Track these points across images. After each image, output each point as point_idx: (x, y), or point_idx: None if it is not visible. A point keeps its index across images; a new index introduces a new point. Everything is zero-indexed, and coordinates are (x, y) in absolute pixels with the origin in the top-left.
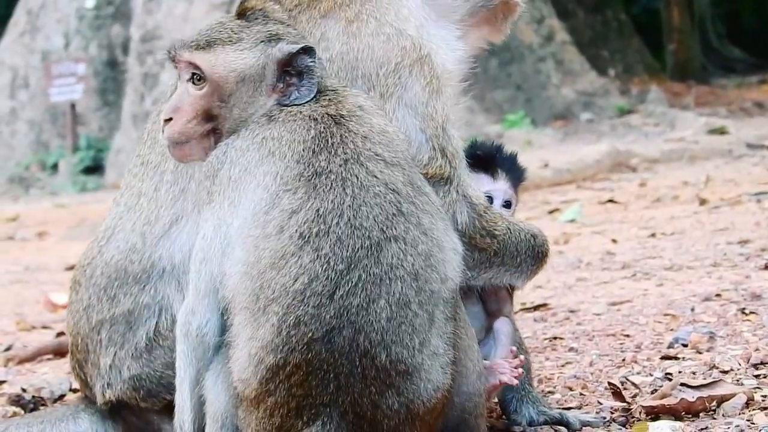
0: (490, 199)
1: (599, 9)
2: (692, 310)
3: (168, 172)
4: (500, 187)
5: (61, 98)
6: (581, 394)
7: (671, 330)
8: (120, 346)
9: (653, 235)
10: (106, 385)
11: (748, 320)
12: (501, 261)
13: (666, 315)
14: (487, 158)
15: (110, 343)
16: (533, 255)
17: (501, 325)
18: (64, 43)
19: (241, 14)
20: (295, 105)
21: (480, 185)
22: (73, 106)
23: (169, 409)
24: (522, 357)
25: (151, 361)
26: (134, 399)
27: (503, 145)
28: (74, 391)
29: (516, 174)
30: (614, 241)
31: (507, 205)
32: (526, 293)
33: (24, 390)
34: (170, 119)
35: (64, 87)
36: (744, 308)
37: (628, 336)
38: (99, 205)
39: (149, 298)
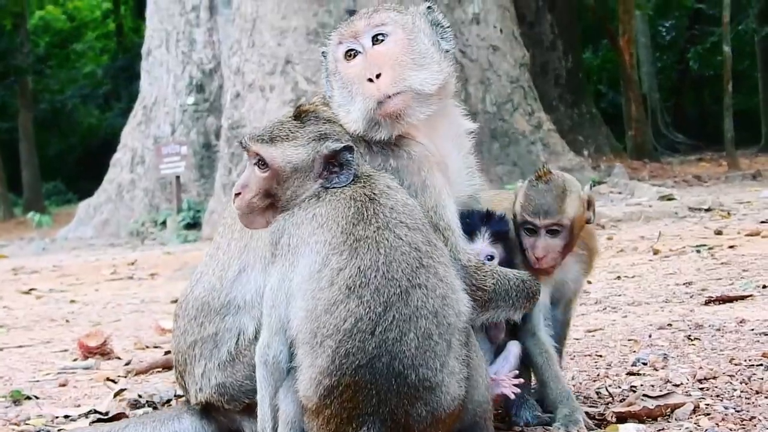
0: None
1: (576, 104)
2: (650, 336)
3: (236, 231)
4: (479, 246)
5: (168, 172)
6: None
7: (634, 352)
8: (209, 359)
9: (618, 277)
10: (198, 390)
11: (693, 345)
12: (495, 305)
13: (630, 340)
14: (471, 225)
15: (201, 358)
16: (524, 296)
17: (512, 347)
18: (171, 130)
19: (297, 116)
20: (336, 187)
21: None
22: (178, 177)
23: (248, 410)
24: (518, 376)
25: (233, 374)
26: (220, 402)
27: (490, 209)
28: (178, 397)
29: (496, 230)
30: (589, 282)
31: (490, 258)
32: None
33: (140, 396)
34: (239, 194)
35: (171, 163)
36: (690, 335)
37: (601, 356)
38: (196, 252)
39: (228, 324)
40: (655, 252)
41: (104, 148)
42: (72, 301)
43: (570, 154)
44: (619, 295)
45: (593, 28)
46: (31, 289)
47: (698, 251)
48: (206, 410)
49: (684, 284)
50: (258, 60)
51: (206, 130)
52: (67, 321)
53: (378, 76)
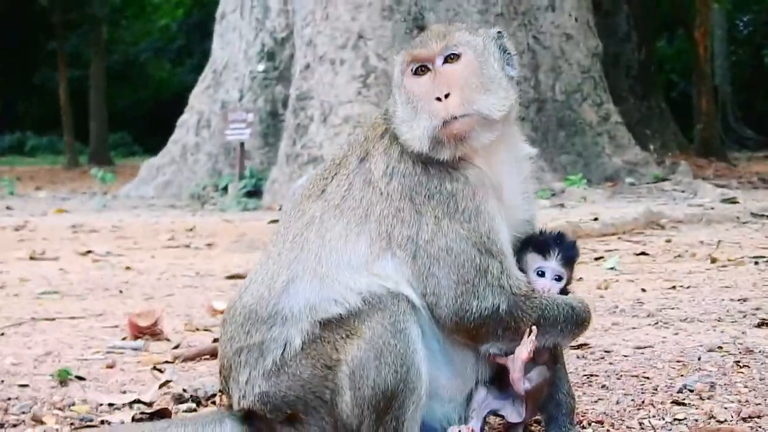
0: (542, 273)
1: (645, 97)
2: (699, 359)
3: (287, 242)
4: (550, 264)
5: (233, 138)
6: (608, 430)
7: (681, 376)
8: (253, 367)
9: (674, 287)
10: (241, 397)
11: (742, 372)
12: (543, 331)
13: (678, 361)
14: (544, 241)
15: (246, 365)
16: (573, 323)
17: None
18: (238, 96)
19: None
20: None
21: (534, 262)
22: (242, 144)
23: (289, 420)
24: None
25: (278, 384)
26: (262, 411)
27: (563, 232)
28: (222, 392)
29: (568, 254)
30: (643, 290)
31: (558, 278)
32: None
33: (184, 390)
34: None
35: (236, 130)
36: (739, 361)
37: (648, 378)
38: (255, 222)
39: (275, 335)
40: (713, 261)
41: (173, 103)
42: (127, 268)
43: (636, 148)
44: (673, 308)
45: (670, 17)
46: (88, 251)
47: (756, 263)
48: (248, 416)
49: (739, 300)
50: (330, 33)
51: (274, 98)
52: (121, 292)
53: (447, 96)
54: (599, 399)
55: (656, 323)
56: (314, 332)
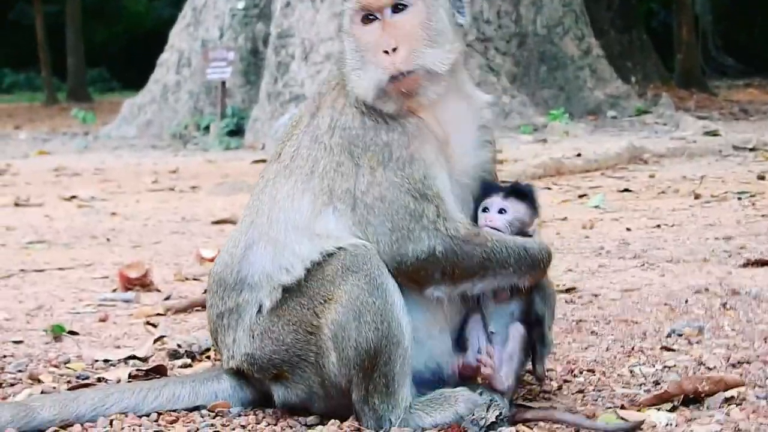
0: (486, 209)
1: (626, 30)
2: (686, 301)
3: (247, 208)
4: (492, 199)
5: (214, 77)
6: (599, 379)
7: (670, 320)
8: (235, 330)
9: (658, 226)
10: (230, 357)
11: (729, 315)
12: (492, 273)
13: (666, 305)
14: (492, 184)
15: (230, 328)
16: (526, 264)
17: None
18: (219, 35)
19: None
20: None
21: (481, 202)
22: (223, 83)
23: (276, 378)
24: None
25: (262, 348)
26: (250, 371)
27: (519, 182)
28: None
29: (513, 188)
30: (629, 229)
31: (501, 211)
32: (560, 275)
33: (179, 346)
34: None
35: (217, 68)
36: (726, 303)
37: (636, 323)
38: (238, 162)
39: (246, 298)
40: (696, 196)
41: (150, 38)
42: (113, 214)
43: (617, 81)
44: (658, 249)
45: None
46: (72, 196)
47: (739, 198)
48: (241, 374)
49: (723, 239)
50: None
51: (254, 36)
52: (108, 240)
53: (395, 50)
54: (589, 346)
55: (642, 265)
56: (278, 298)
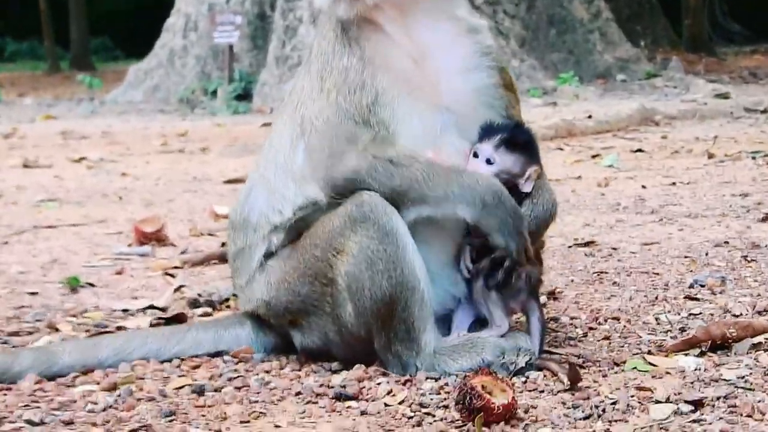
0: (476, 155)
1: None
2: (706, 254)
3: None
4: (482, 146)
5: (222, 41)
6: (624, 326)
7: (691, 271)
8: (248, 273)
9: (673, 183)
10: (247, 301)
11: (750, 267)
12: (432, 202)
13: (686, 257)
14: (488, 126)
15: (242, 270)
16: (473, 199)
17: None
18: None
19: None
20: None
21: (474, 145)
22: (231, 47)
23: (293, 324)
24: None
25: (278, 297)
26: (267, 316)
27: (521, 123)
28: (235, 295)
29: (508, 138)
30: (644, 187)
31: (489, 162)
32: (577, 230)
33: (199, 295)
34: None
35: (224, 32)
36: (746, 255)
37: (658, 274)
38: (247, 126)
39: (250, 241)
40: (710, 156)
41: (155, 8)
42: (123, 174)
43: (627, 44)
44: (675, 205)
45: None
46: (81, 158)
47: (753, 158)
48: (261, 318)
49: (740, 195)
50: None
51: (262, 0)
52: (120, 198)
53: None
54: (612, 296)
55: (660, 220)
56: (281, 242)
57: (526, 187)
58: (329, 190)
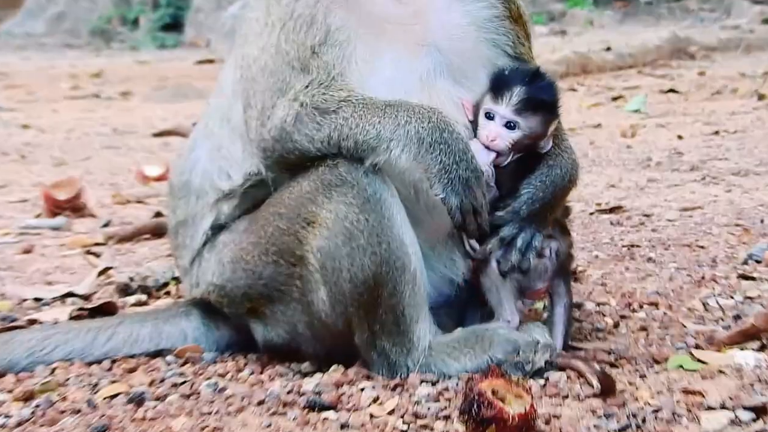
0: (492, 117)
1: None
2: (762, 221)
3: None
4: (500, 108)
5: None
6: (665, 314)
7: (743, 243)
8: (193, 249)
9: (717, 132)
10: (192, 284)
11: None
12: (357, 149)
13: (737, 226)
14: (504, 79)
15: (185, 247)
16: (416, 147)
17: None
18: None
19: None
20: None
21: (486, 103)
22: None
23: (253, 313)
24: None
25: (234, 280)
26: (219, 303)
27: (541, 71)
28: (176, 279)
29: (530, 97)
30: (680, 137)
31: (510, 126)
32: (600, 192)
33: (131, 279)
34: None
35: None
36: None
37: (702, 247)
38: (178, 63)
39: (195, 208)
40: (761, 97)
41: None
42: (25, 126)
43: None
44: (720, 159)
45: None
46: None
47: None
48: (213, 308)
49: None
50: None
51: None
52: (23, 156)
53: None
54: (647, 275)
55: (703, 178)
56: (231, 211)
57: (546, 147)
58: (261, 154)
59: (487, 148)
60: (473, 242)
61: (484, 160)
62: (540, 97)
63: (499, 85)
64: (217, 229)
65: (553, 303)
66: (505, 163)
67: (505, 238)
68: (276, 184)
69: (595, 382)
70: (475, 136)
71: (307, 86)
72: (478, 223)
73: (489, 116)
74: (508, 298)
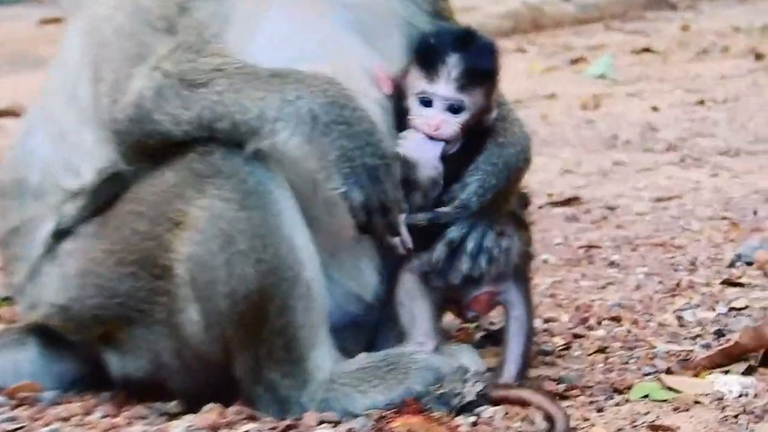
0: (429, 102)
1: None
2: (755, 213)
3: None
4: (438, 88)
5: None
6: (629, 331)
7: (731, 241)
8: (29, 263)
9: (701, 102)
10: (29, 306)
11: None
12: (236, 132)
13: (724, 219)
14: (432, 48)
15: (20, 260)
16: (285, 102)
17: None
18: None
19: None
20: None
21: (415, 84)
22: None
23: (106, 340)
24: None
25: (82, 299)
26: (62, 329)
27: (470, 29)
28: (7, 299)
29: (472, 66)
30: (655, 108)
31: (454, 110)
32: (552, 180)
33: None
34: None
35: None
36: None
37: (679, 248)
38: (15, 23)
39: (33, 211)
40: (758, 56)
41: None
42: None
43: None
44: (704, 136)
45: None
46: None
47: None
48: (54, 334)
49: None
50: None
51: None
52: None
53: None
54: (608, 283)
55: (682, 160)
56: (77, 213)
57: (489, 120)
58: (114, 139)
59: (432, 138)
60: (398, 240)
61: (432, 155)
62: (482, 65)
63: (428, 59)
64: (61, 235)
65: (507, 316)
66: (452, 151)
67: (454, 241)
68: (137, 178)
69: (539, 419)
70: (405, 116)
71: (172, 51)
72: (388, 223)
73: (425, 101)
74: (424, 315)
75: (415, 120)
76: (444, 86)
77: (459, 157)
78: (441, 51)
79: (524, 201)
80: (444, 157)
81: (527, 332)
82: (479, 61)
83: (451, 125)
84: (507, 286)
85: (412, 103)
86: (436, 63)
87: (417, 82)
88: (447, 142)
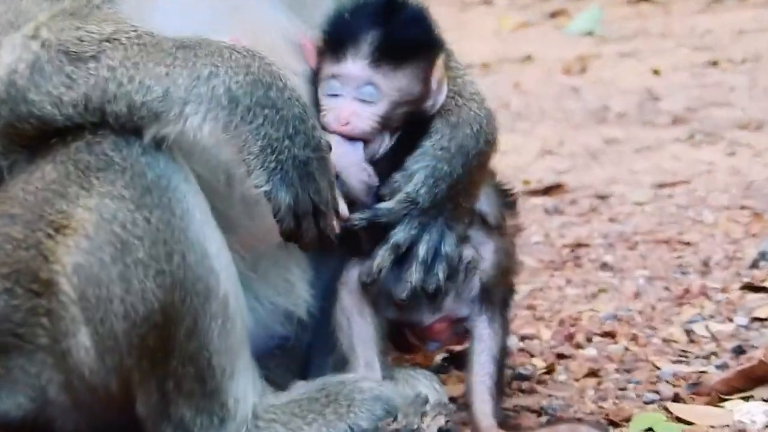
0: (335, 87)
1: None
2: None
3: None
4: (346, 69)
5: None
6: (626, 349)
7: (753, 236)
8: None
9: (714, 63)
10: None
11: None
12: (133, 116)
13: (743, 208)
14: (344, 24)
15: None
16: (196, 80)
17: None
18: None
19: None
20: None
21: (324, 69)
22: None
23: None
24: None
25: None
26: None
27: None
28: None
29: (397, 41)
30: (655, 72)
31: (365, 95)
32: (528, 163)
33: None
34: None
35: None
36: None
37: (689, 245)
38: None
39: None
40: None
41: None
42: None
43: None
44: (718, 106)
45: None
46: None
47: None
48: None
49: None
50: None
51: None
52: None
53: None
54: (600, 290)
55: (690, 137)
56: None
57: (437, 104)
58: None
59: (344, 137)
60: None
61: (353, 159)
62: (402, 36)
63: (338, 35)
64: None
65: (472, 348)
66: (381, 151)
67: (401, 245)
68: (9, 173)
69: None
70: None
71: (53, 18)
72: (319, 230)
73: (334, 92)
74: (366, 340)
75: (324, 116)
76: (351, 64)
77: (397, 158)
78: (353, 23)
79: (507, 198)
80: (375, 162)
81: (500, 368)
82: (399, 32)
83: (364, 118)
84: (475, 311)
85: (321, 95)
86: (345, 38)
87: (325, 65)
88: (365, 141)
